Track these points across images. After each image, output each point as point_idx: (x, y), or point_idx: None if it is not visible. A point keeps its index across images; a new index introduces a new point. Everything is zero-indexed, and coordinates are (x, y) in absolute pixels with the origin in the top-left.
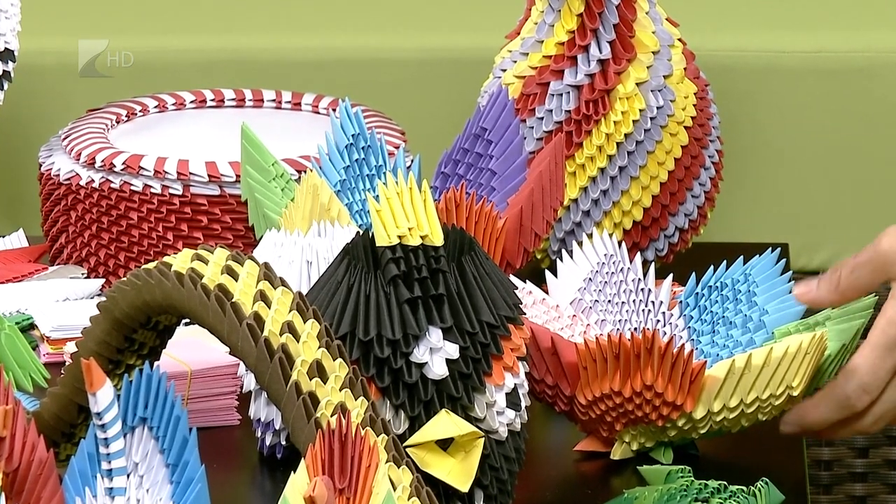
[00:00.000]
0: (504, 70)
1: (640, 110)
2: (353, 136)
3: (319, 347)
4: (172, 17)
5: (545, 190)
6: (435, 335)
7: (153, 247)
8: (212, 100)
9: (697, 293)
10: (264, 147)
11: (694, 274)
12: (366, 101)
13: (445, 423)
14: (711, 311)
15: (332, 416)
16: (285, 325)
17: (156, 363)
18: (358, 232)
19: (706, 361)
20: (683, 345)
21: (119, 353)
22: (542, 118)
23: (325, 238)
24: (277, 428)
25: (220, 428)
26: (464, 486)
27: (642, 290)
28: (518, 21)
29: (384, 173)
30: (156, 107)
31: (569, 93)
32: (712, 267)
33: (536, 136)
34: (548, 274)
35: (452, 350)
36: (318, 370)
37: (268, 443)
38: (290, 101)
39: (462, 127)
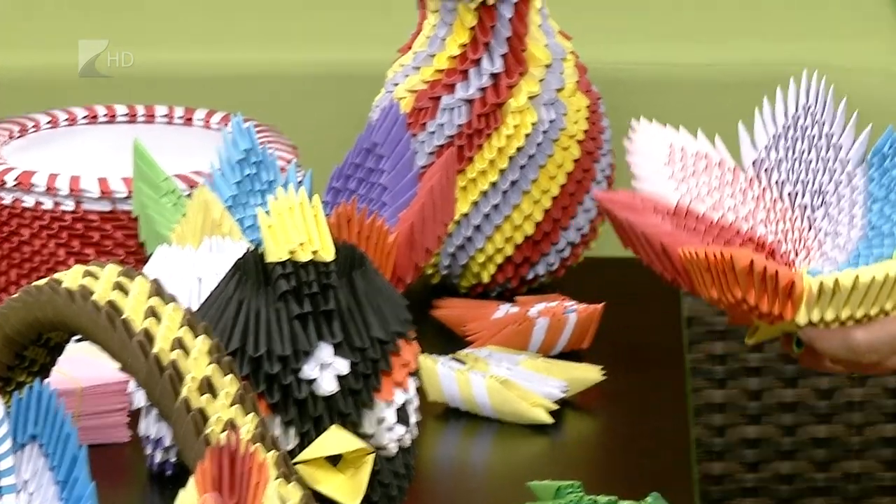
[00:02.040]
0: (396, 84)
1: (533, 124)
2: (244, 151)
3: (210, 364)
4: (63, 32)
5: (436, 205)
6: (325, 351)
7: (45, 264)
8: (104, 115)
9: (884, 152)
10: (156, 163)
11: (891, 128)
12: (258, 116)
13: (335, 440)
14: (892, 175)
15: (221, 432)
16: (175, 341)
17: (46, 380)
18: (249, 247)
19: (794, 276)
20: (769, 261)
21: (9, 370)
22: (433, 132)
23: (217, 254)
24: (167, 445)
25: (110, 445)
26: (353, 503)
27: (834, 146)
28: (410, 35)
29: (276, 188)
30: (48, 123)
31: (461, 107)
32: None
33: (428, 150)
34: (740, 128)
35: (343, 366)
36: (208, 386)
37: (157, 460)
38: (182, 117)
39: (354, 142)
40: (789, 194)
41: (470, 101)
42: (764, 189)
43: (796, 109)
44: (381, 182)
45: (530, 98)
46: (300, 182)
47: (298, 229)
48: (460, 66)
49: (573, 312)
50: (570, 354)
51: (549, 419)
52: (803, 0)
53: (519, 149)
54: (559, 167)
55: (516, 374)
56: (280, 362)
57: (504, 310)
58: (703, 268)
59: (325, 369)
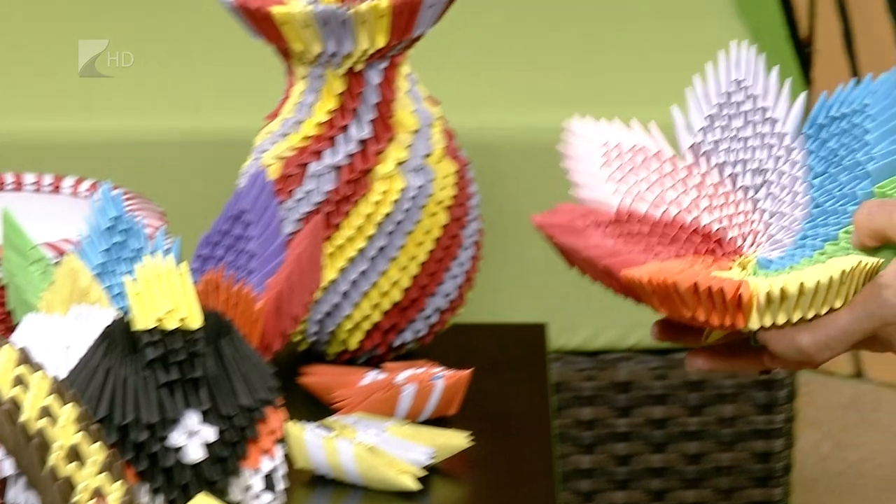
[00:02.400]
0: (264, 151)
1: (401, 190)
2: (112, 219)
3: (77, 432)
4: None
5: (304, 272)
6: (192, 419)
7: None
8: None
9: (820, 123)
10: (24, 231)
11: (824, 95)
12: (126, 183)
13: None
14: (829, 147)
15: (89, 501)
16: (43, 409)
17: None
18: (117, 315)
19: (741, 288)
20: (713, 278)
21: None
22: (301, 199)
23: (85, 322)
24: None
25: None
26: None
27: (769, 119)
28: (278, 102)
29: (144, 256)
30: None
31: (328, 174)
32: (841, 88)
33: (295, 217)
34: (674, 111)
35: (210, 434)
36: (75, 455)
37: None
38: (50, 185)
39: (222, 209)
40: (730, 176)
41: (338, 168)
42: (705, 174)
43: (729, 85)
44: (248, 249)
45: (398, 164)
46: (168, 249)
47: (166, 297)
48: (328, 133)
49: (440, 379)
50: (438, 421)
51: (416, 486)
52: (671, 66)
53: (387, 215)
54: (427, 233)
55: (384, 441)
56: (147, 430)
57: (371, 377)
58: (648, 291)
59: (193, 437)
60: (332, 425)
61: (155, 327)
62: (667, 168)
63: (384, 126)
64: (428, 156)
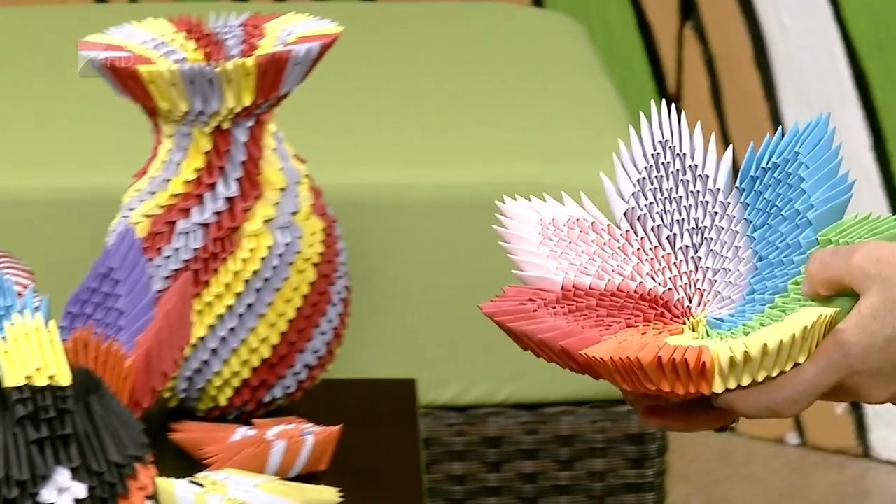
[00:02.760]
0: (132, 209)
1: (268, 247)
2: None
3: None
4: None
5: (173, 329)
6: (63, 475)
7: None
8: None
9: (753, 175)
10: None
11: (752, 147)
12: None
13: None
14: (765, 198)
15: None
16: None
17: None
18: None
19: (703, 354)
20: (675, 349)
21: None
22: (169, 257)
23: None
24: None
25: None
26: None
27: (700, 177)
28: (145, 160)
29: (13, 314)
30: None
31: (196, 231)
32: (768, 138)
33: (164, 274)
34: (603, 179)
35: (80, 490)
36: None
37: None
38: None
39: (90, 267)
40: (668, 238)
41: (205, 226)
42: (642, 239)
43: (654, 147)
44: (117, 306)
45: (266, 222)
46: (37, 307)
47: (35, 354)
48: (196, 191)
49: (310, 435)
50: (308, 477)
51: None
52: (539, 122)
53: (255, 272)
54: (295, 290)
55: (254, 497)
56: (18, 487)
57: (241, 433)
58: (611, 369)
59: (63, 494)
60: (203, 481)
61: (24, 385)
62: (604, 237)
63: (251, 184)
64: (295, 213)
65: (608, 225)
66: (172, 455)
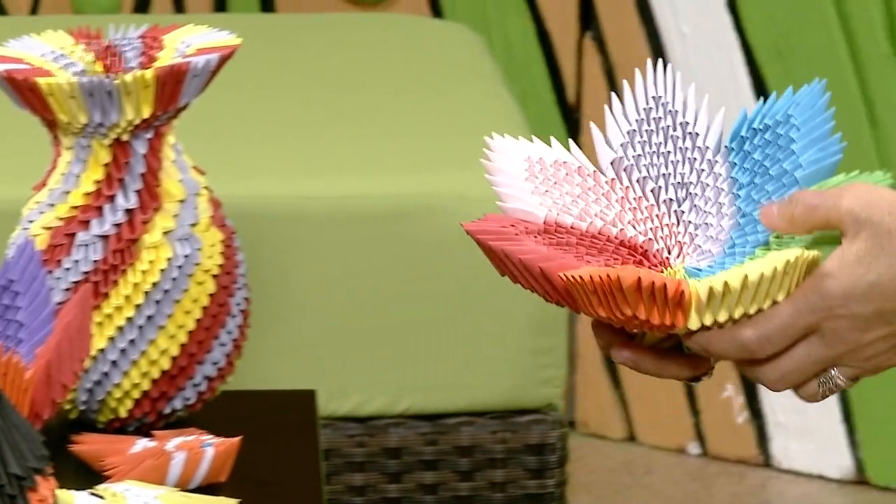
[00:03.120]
0: (31, 222)
1: (167, 259)
2: None
3: None
4: None
5: (72, 341)
6: None
7: None
8: None
9: (742, 136)
10: None
11: (745, 109)
12: None
13: None
14: (754, 158)
15: None
16: None
17: None
18: None
19: (682, 284)
20: (654, 274)
21: None
22: (69, 269)
23: None
24: None
25: None
26: None
27: (690, 134)
28: (45, 172)
29: None
30: None
31: (96, 243)
32: (762, 102)
33: (63, 287)
34: (593, 128)
35: None
36: None
37: None
38: None
39: None
40: (652, 190)
41: (105, 237)
42: (627, 188)
43: (647, 102)
44: (16, 319)
45: (165, 233)
46: None
47: None
48: (95, 203)
49: (210, 446)
50: (209, 488)
51: None
52: (438, 132)
53: (154, 284)
54: (194, 302)
55: None
56: None
57: (142, 444)
58: (588, 290)
59: None
60: (103, 493)
61: None
62: (589, 182)
63: (151, 195)
64: (195, 225)
65: (594, 171)
66: (73, 467)
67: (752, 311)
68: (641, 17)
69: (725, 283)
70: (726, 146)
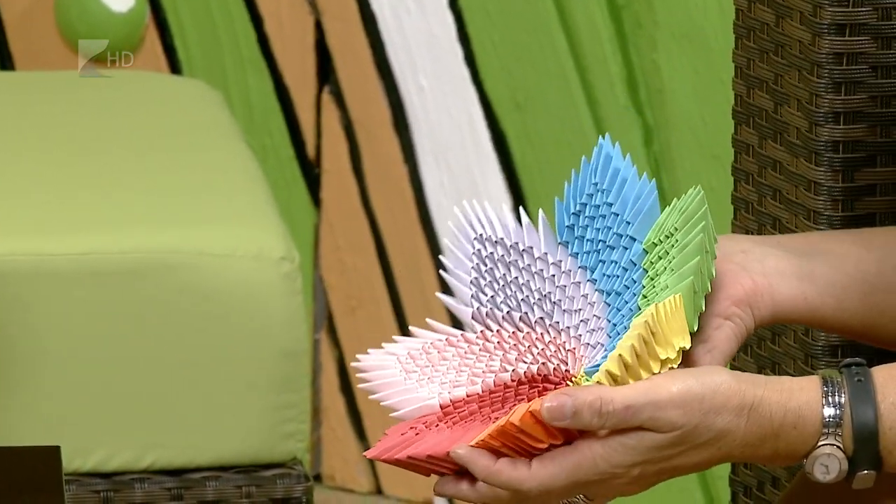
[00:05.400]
0: None
1: None
2: None
3: None
4: None
5: None
6: None
7: None
8: None
9: (568, 226)
10: None
11: (557, 200)
12: None
13: None
14: (588, 240)
15: None
16: None
17: None
18: None
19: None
20: (535, 398)
21: None
22: None
23: None
24: None
25: None
26: None
27: (524, 252)
28: None
29: None
30: None
31: None
32: (567, 186)
33: None
34: (443, 298)
35: None
36: None
37: None
38: None
39: None
40: (521, 319)
41: None
42: (499, 331)
43: (472, 246)
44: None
45: None
46: None
47: None
48: None
49: None
50: None
51: None
52: (179, 189)
53: None
54: None
55: None
56: None
57: None
58: (498, 446)
59: None
60: None
61: None
62: (463, 347)
63: None
64: None
65: (461, 334)
66: None
67: (656, 370)
68: (379, 71)
69: (607, 373)
70: (560, 242)
